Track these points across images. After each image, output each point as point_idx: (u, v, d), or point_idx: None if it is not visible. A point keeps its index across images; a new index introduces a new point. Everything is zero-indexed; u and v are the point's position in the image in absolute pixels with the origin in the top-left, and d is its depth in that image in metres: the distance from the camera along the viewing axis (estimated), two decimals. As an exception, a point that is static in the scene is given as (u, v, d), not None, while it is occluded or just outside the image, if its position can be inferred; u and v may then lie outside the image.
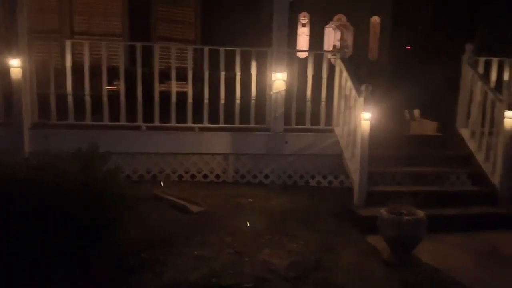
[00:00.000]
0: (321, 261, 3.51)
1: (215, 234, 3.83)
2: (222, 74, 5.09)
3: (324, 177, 5.36)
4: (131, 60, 5.14)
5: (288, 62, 5.18)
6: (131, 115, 5.02)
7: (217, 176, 5.24)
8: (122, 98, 4.99)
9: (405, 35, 7.53)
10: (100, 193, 3.00)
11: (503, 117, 4.66)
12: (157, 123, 5.06)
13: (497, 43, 6.26)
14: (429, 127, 5.83)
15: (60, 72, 5.11)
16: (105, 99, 4.96)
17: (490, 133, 4.93)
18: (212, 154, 5.19)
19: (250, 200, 4.72)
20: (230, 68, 5.10)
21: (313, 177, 5.35)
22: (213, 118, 5.14)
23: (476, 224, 4.37)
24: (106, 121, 4.99)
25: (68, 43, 4.99)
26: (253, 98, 5.20)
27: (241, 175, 5.26)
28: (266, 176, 5.30)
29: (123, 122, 5.02)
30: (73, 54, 5.02)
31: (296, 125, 5.29)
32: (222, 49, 5.10)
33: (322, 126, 5.33)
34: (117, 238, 3.23)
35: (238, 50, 5.11)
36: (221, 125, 5.15)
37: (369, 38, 7.83)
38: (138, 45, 4.99)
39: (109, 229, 3.05)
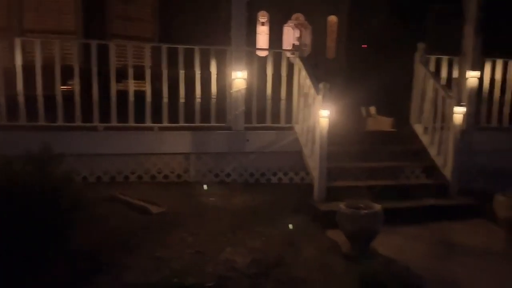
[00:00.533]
0: (283, 256, 3.56)
1: (176, 234, 3.79)
2: (181, 72, 5.04)
3: (285, 174, 5.42)
4: (86, 59, 4.97)
5: (248, 61, 5.20)
6: (87, 116, 4.87)
7: (178, 176, 5.19)
8: (77, 98, 4.83)
9: (361, 34, 7.73)
10: (54, 197, 2.89)
11: (453, 113, 4.90)
12: (114, 123, 4.94)
13: (447, 41, 6.54)
14: (385, 123, 6.03)
15: (10, 72, 4.88)
16: (59, 99, 4.79)
17: (442, 128, 5.16)
18: (173, 154, 5.13)
19: (212, 199, 4.71)
20: (189, 66, 5.06)
21: (274, 174, 5.40)
22: (173, 117, 5.08)
23: (430, 216, 4.57)
24: (60, 122, 4.81)
25: (18, 41, 4.77)
26: (213, 96, 5.18)
27: (202, 174, 5.22)
28: (228, 175, 5.29)
29: (78, 122, 4.86)
30: (24, 53, 4.80)
31: (257, 123, 5.32)
32: (180, 47, 5.05)
33: (282, 124, 5.39)
34: (74, 242, 3.13)
35: (197, 48, 5.08)
36: (182, 124, 5.10)
37: (326, 37, 7.99)
38: (93, 43, 4.85)
39: (64, 234, 2.95)
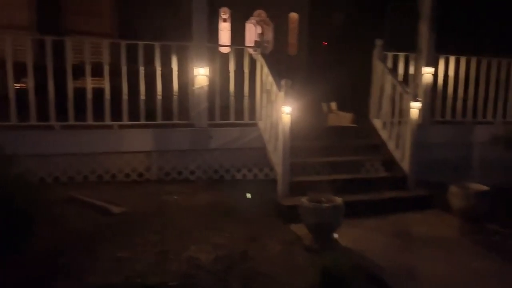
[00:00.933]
0: (247, 252, 3.58)
1: (139, 234, 3.73)
2: (142, 69, 4.95)
3: (250, 170, 5.44)
4: (41, 55, 4.79)
5: (210, 57, 5.17)
6: (43, 114, 4.70)
7: (140, 175, 5.10)
8: (32, 96, 4.65)
9: (322, 31, 7.87)
10: (7, 199, 2.77)
11: (410, 108, 5.07)
12: (72, 121, 4.79)
13: (405, 38, 6.75)
14: (345, 119, 6.16)
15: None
16: (12, 97, 4.59)
17: (399, 123, 5.33)
18: (134, 152, 5.03)
19: (176, 197, 4.66)
20: (150, 63, 4.97)
21: (239, 170, 5.41)
22: (134, 115, 4.98)
23: (389, 208, 4.72)
24: (14, 121, 4.62)
25: (-36, 37, 4.54)
26: (175, 93, 5.12)
27: (165, 173, 5.16)
28: (192, 172, 5.26)
29: (33, 121, 4.67)
30: (-28, 49, 4.57)
31: (220, 120, 5.31)
32: (140, 43, 4.96)
33: (246, 120, 5.40)
34: (31, 245, 3.02)
35: (157, 44, 5.00)
36: (143, 122, 5.01)
37: (288, 34, 8.07)
38: (48, 39, 4.68)
39: (19, 236, 2.83)
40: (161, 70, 5.04)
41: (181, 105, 5.18)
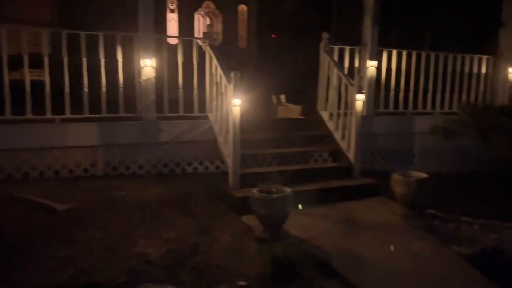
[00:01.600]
0: (198, 245, 3.57)
1: (85, 231, 3.61)
2: (84, 60, 4.75)
3: (201, 163, 5.40)
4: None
5: (158, 48, 5.06)
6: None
7: (85, 170, 4.91)
8: (-38, 88, 4.33)
9: (271, 24, 7.92)
10: None
11: (355, 100, 5.25)
12: (8, 116, 4.52)
13: (351, 31, 6.95)
14: (294, 111, 6.27)
15: None
16: None
17: (345, 114, 5.51)
18: (78, 147, 4.83)
19: (123, 192, 4.54)
20: (94, 53, 4.78)
21: (189, 164, 5.35)
22: (77, 108, 4.78)
23: (337, 196, 4.86)
24: None
25: None
26: (121, 85, 4.96)
27: (112, 167, 5.00)
28: (140, 167, 5.14)
29: (-35, 116, 4.37)
30: None
31: (169, 113, 5.21)
32: (83, 33, 4.75)
33: (196, 113, 5.34)
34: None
35: (101, 34, 4.81)
36: (87, 115, 4.82)
37: (238, 26, 8.05)
38: (-21, 27, 4.36)
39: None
40: (106, 62, 4.85)
41: (128, 97, 5.03)
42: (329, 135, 5.75)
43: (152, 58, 4.94)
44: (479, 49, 7.03)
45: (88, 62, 4.78)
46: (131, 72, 5.02)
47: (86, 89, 4.78)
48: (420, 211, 4.58)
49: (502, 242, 4.11)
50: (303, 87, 6.55)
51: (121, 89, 4.96)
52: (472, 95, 6.84)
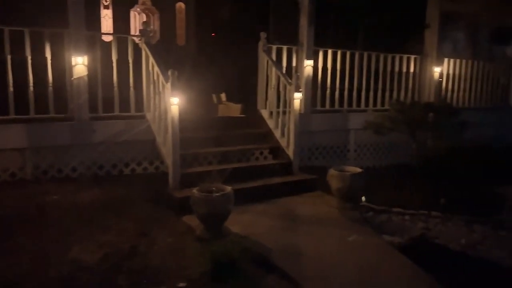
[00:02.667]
0: (137, 247, 3.48)
1: (12, 240, 3.38)
2: (9, 57, 4.45)
3: (139, 164, 5.26)
4: None
5: (91, 46, 4.85)
6: None
7: (12, 175, 4.60)
8: None
9: (210, 22, 7.88)
10: None
11: (293, 98, 5.37)
12: None
13: (289, 31, 7.08)
14: (235, 109, 6.30)
15: None
16: None
17: (284, 113, 5.62)
18: (3, 150, 4.51)
19: (55, 197, 4.31)
20: (21, 50, 4.49)
21: (127, 165, 5.19)
22: (2, 109, 4.46)
23: (277, 192, 4.95)
24: None
25: None
26: (50, 84, 4.70)
27: (43, 171, 4.73)
28: (74, 169, 4.90)
29: None
30: None
31: (104, 113, 5.03)
32: (6, 28, 4.44)
33: (132, 112, 5.20)
34: None
35: (27, 30, 4.53)
36: (12, 116, 4.52)
37: (176, 24, 7.92)
38: None
39: None
40: (35, 59, 4.57)
41: (59, 97, 4.79)
42: (269, 133, 5.84)
43: (84, 56, 4.73)
44: (408, 49, 7.48)
45: (14, 60, 4.48)
46: (62, 70, 4.77)
47: (11, 89, 4.48)
48: (355, 204, 4.79)
49: (428, 230, 4.41)
50: (243, 86, 6.60)
51: (50, 88, 4.71)
52: (402, 93, 7.27)
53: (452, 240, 4.23)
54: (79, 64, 4.71)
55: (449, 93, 7.91)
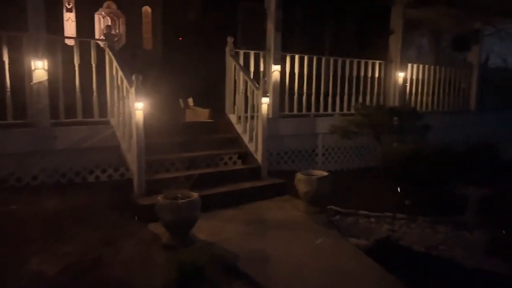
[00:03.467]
0: (100, 257, 3.38)
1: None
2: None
3: (104, 171, 5.12)
4: None
5: (52, 50, 4.69)
6: None
7: (-33, 184, 4.39)
8: None
9: (177, 26, 7.79)
10: None
11: (261, 103, 5.37)
12: None
13: (257, 36, 7.09)
14: (203, 114, 6.23)
15: None
16: None
17: (252, 117, 5.61)
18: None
19: (14, 207, 4.12)
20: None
21: (91, 172, 5.04)
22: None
23: (245, 197, 4.94)
24: None
25: None
26: (8, 89, 4.52)
27: (1, 180, 4.53)
28: (35, 177, 4.72)
29: None
30: None
31: (66, 118, 4.88)
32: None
33: (96, 118, 5.06)
34: None
35: (-19, 33, 4.34)
36: (-34, 123, 4.32)
37: (142, 28, 7.80)
38: None
39: None
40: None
41: (18, 102, 4.60)
42: (238, 138, 5.81)
43: (44, 60, 4.58)
44: (374, 54, 7.64)
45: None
46: (21, 75, 4.60)
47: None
48: (322, 207, 4.83)
49: (394, 232, 4.50)
50: (211, 91, 6.55)
51: (8, 94, 4.52)
52: (368, 97, 7.41)
53: (417, 241, 4.33)
54: (39, 68, 4.54)
55: (413, 97, 8.14)
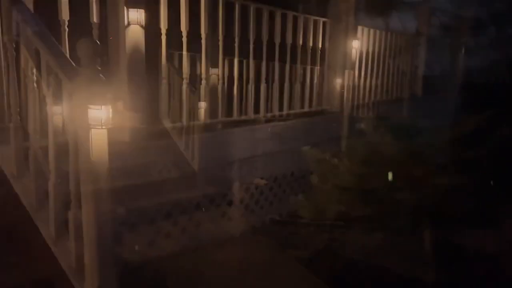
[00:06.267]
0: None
1: None
2: None
3: None
4: None
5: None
6: None
7: None
8: None
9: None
10: None
11: (197, 108, 5.11)
12: None
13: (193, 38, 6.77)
14: (134, 120, 5.82)
15: None
16: None
17: (188, 123, 5.32)
18: None
19: None
20: None
21: None
22: None
23: (180, 208, 4.63)
24: None
25: None
26: None
27: None
28: None
29: None
30: None
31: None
32: None
33: None
34: None
35: None
36: None
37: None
38: None
39: None
40: None
41: None
42: (173, 145, 5.49)
43: None
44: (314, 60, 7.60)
45: None
46: None
47: None
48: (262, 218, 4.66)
49: (333, 241, 4.43)
50: (144, 94, 6.15)
51: None
52: (306, 102, 7.36)
53: (354, 249, 4.28)
54: None
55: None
